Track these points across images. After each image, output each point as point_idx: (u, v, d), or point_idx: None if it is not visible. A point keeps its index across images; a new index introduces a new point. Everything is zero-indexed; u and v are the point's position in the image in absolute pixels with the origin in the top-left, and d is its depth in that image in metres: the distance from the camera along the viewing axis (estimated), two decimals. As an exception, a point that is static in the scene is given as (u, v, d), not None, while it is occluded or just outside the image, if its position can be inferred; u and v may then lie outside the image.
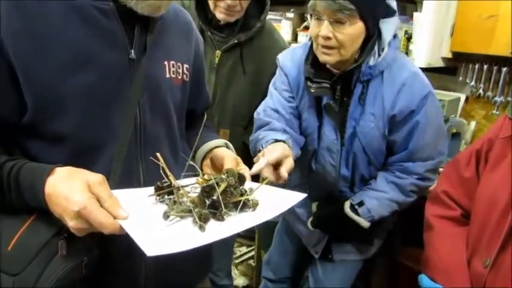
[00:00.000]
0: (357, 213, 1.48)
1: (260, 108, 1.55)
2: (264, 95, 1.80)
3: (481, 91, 2.25)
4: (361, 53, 1.38)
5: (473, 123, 2.31)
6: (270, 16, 2.22)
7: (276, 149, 1.22)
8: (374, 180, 1.52)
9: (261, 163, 1.15)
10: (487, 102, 2.26)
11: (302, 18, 2.90)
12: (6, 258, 0.75)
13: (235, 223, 0.79)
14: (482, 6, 2.02)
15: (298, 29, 2.82)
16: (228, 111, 1.79)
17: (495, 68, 2.18)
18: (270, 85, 1.59)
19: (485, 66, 2.21)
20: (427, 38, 2.15)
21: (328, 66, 1.42)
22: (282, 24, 2.82)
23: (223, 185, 0.81)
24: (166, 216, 0.77)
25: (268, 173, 1.14)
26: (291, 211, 1.69)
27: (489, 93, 2.23)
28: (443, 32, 2.20)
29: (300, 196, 0.90)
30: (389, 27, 1.36)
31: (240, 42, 1.72)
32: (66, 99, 0.82)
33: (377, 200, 1.48)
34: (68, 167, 0.77)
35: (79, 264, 0.78)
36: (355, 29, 1.30)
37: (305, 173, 1.62)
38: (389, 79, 1.40)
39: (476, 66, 2.23)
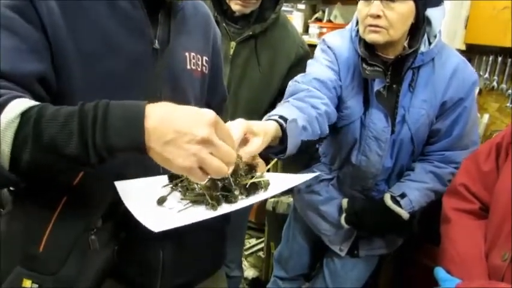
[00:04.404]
0: (399, 205, 1.46)
1: (298, 77, 1.42)
2: (278, 87, 1.80)
3: (494, 83, 2.23)
4: (412, 39, 1.38)
5: (486, 116, 2.29)
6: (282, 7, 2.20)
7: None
8: (411, 172, 1.52)
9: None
10: (501, 95, 2.24)
11: (313, 10, 2.88)
12: (40, 260, 0.75)
13: (247, 202, 0.80)
14: (497, -2, 2.00)
15: (309, 21, 2.80)
16: (242, 103, 1.78)
17: (509, 60, 2.16)
18: (310, 61, 1.53)
19: (499, 59, 2.19)
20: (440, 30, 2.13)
21: (378, 52, 1.40)
22: (293, 15, 2.79)
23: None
24: (160, 201, 0.78)
25: None
26: (314, 212, 1.68)
27: (503, 86, 2.21)
28: (457, 24, 2.18)
29: (313, 174, 0.90)
30: (438, 14, 1.37)
31: (254, 34, 1.71)
32: (88, 87, 0.82)
33: (418, 190, 1.48)
34: None
35: (112, 252, 0.81)
36: (405, 8, 1.29)
37: (339, 165, 1.60)
38: (440, 66, 1.42)
39: (490, 59, 2.21)
